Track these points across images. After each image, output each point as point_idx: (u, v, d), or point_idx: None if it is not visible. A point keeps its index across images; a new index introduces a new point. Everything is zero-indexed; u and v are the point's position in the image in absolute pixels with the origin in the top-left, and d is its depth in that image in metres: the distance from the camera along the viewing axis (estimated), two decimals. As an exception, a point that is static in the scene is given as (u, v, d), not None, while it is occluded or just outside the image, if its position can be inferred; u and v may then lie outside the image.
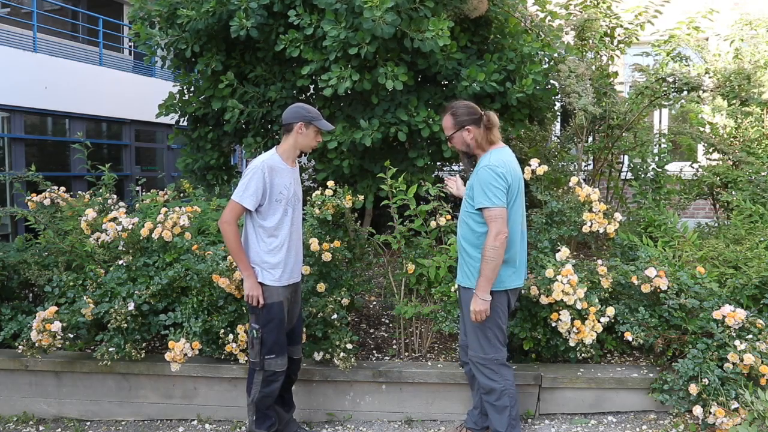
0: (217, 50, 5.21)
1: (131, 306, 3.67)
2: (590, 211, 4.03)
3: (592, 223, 3.99)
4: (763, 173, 5.29)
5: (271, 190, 3.16)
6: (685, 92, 5.27)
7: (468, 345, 3.23)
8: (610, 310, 3.67)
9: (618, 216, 4.15)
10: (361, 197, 4.19)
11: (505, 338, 3.21)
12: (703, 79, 5.39)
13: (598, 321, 3.65)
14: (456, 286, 3.56)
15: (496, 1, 5.08)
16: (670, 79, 5.18)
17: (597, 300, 3.70)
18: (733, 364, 3.31)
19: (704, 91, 5.29)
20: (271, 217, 3.19)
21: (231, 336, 3.72)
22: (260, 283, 3.19)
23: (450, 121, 3.17)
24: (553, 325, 3.68)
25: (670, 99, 5.44)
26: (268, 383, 3.23)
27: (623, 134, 5.65)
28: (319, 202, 4.00)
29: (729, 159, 5.74)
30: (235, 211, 3.16)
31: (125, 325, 3.66)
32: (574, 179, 4.19)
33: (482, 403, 3.31)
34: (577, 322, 3.67)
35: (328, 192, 4.05)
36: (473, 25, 5.17)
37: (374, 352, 4.20)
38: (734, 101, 5.51)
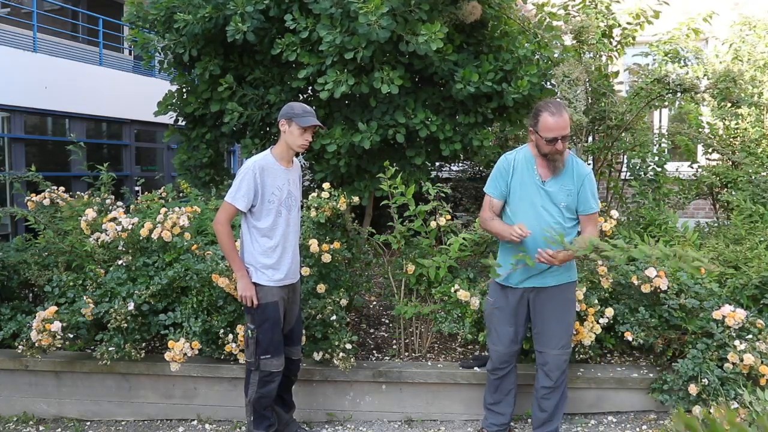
0: (215, 54, 5.19)
1: (131, 306, 3.67)
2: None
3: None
4: (763, 173, 5.29)
5: (263, 190, 3.14)
6: (680, 94, 5.27)
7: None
8: (609, 311, 3.67)
9: (615, 214, 4.15)
10: (356, 198, 4.19)
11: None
12: (701, 80, 5.39)
13: (597, 322, 3.65)
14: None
15: (492, 4, 5.07)
16: (665, 81, 5.17)
17: (596, 300, 3.70)
18: (733, 364, 3.32)
19: (696, 93, 5.29)
20: (264, 218, 3.17)
21: (230, 336, 3.72)
22: (255, 283, 3.18)
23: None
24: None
25: (665, 100, 5.44)
26: (265, 384, 3.23)
27: (622, 134, 5.65)
28: (316, 205, 4.00)
29: (728, 159, 5.74)
30: (227, 211, 3.15)
31: (125, 325, 3.66)
32: None
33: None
34: (576, 324, 3.66)
35: (324, 195, 4.04)
36: (469, 27, 5.16)
37: (374, 352, 4.20)
38: (723, 103, 5.51)
